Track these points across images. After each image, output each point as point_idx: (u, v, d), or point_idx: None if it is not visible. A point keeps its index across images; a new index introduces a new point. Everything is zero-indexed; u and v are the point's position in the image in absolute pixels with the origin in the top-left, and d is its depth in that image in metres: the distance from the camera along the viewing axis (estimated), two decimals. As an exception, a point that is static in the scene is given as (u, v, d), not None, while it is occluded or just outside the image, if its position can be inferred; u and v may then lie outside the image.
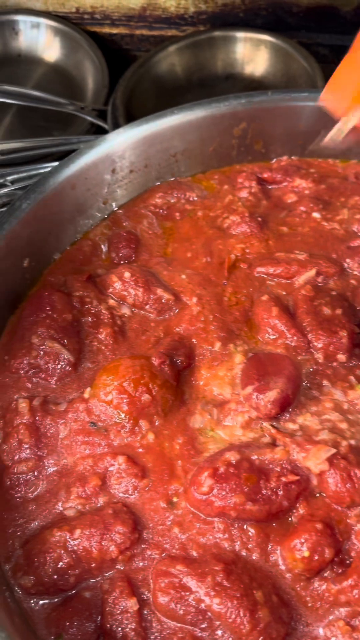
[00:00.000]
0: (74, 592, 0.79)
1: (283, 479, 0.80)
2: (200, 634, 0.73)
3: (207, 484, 0.80)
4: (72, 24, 1.78)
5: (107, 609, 0.76)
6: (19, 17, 1.80)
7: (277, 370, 0.92)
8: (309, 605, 0.76)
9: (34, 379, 0.97)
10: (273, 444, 0.86)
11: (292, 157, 1.33)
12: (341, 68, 0.67)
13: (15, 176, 1.38)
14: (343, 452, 0.81)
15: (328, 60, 1.72)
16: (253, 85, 1.70)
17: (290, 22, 1.68)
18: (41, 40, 1.81)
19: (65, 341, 0.99)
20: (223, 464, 0.81)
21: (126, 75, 1.62)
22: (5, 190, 1.34)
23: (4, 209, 1.31)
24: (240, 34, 1.68)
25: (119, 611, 0.75)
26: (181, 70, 1.71)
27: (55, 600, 0.78)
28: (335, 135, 0.69)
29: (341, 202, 1.23)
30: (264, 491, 0.80)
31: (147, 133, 1.21)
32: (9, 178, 1.37)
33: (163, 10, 1.74)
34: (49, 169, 1.15)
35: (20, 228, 1.06)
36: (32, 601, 0.78)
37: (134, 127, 1.19)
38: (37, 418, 0.91)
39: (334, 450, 0.81)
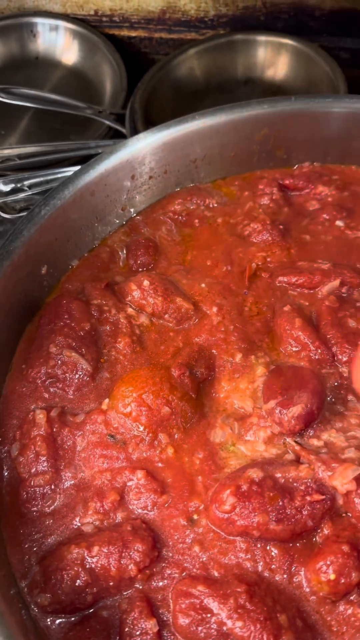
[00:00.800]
0: (91, 611, 0.77)
1: (308, 498, 0.78)
2: (221, 659, 0.71)
3: (229, 502, 0.78)
4: (90, 27, 1.77)
5: (126, 629, 0.74)
6: (37, 20, 1.79)
7: (300, 384, 0.89)
8: (335, 629, 0.74)
9: (52, 389, 0.95)
10: (297, 461, 0.83)
11: (315, 164, 1.31)
12: None
13: (32, 180, 1.37)
14: (370, 472, 0.79)
15: (350, 65, 1.69)
16: (273, 89, 1.68)
17: (312, 26, 1.66)
18: (59, 43, 1.80)
19: (84, 350, 0.97)
20: (246, 482, 0.79)
21: (145, 78, 1.60)
22: (23, 195, 1.32)
23: (22, 213, 1.30)
24: (261, 38, 1.66)
25: (138, 632, 0.73)
26: (200, 74, 1.69)
27: (73, 619, 0.77)
28: None
29: (365, 210, 1.20)
30: (288, 510, 0.77)
31: (167, 139, 1.19)
32: (27, 182, 1.36)
33: (183, 13, 1.72)
34: (67, 175, 1.13)
35: (39, 235, 1.04)
36: (48, 620, 0.77)
37: (154, 133, 1.17)
38: (54, 430, 0.89)
39: (361, 470, 0.78)
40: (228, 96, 1.67)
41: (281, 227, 1.16)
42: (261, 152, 1.29)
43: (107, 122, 1.57)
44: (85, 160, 1.16)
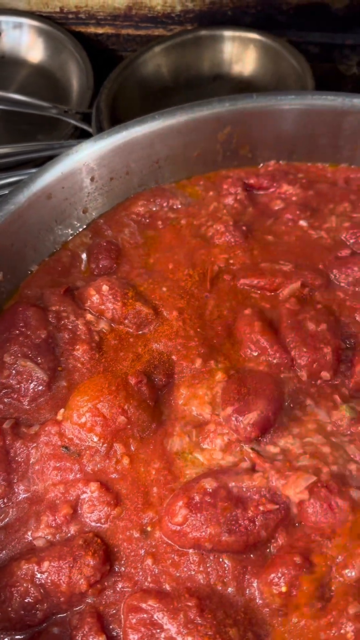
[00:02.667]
0: (42, 627, 0.75)
1: (261, 507, 0.77)
2: (172, 674, 0.70)
3: (181, 514, 0.76)
4: (56, 24, 1.74)
5: (76, 646, 0.73)
6: (1, 18, 1.75)
7: (258, 389, 0.88)
8: (288, 642, 0.72)
9: (6, 400, 0.93)
10: (252, 470, 0.82)
11: (280, 162, 1.29)
12: None
13: (-5, 183, 1.34)
14: (324, 480, 0.78)
15: (319, 59, 1.67)
16: (242, 85, 1.66)
17: (279, 20, 1.63)
18: (24, 41, 1.77)
19: (40, 359, 0.95)
20: (199, 493, 0.77)
21: (111, 77, 1.58)
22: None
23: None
24: (228, 33, 1.63)
25: (87, 649, 0.72)
26: (167, 72, 1.66)
27: (23, 636, 0.75)
28: None
29: (330, 209, 1.19)
30: (241, 521, 0.76)
31: (126, 139, 1.16)
32: (-11, 186, 1.33)
33: (149, 9, 1.69)
34: (24, 178, 1.11)
35: (-6, 241, 1.02)
36: (-2, 638, 0.75)
37: (112, 135, 1.15)
38: (7, 442, 0.87)
39: (314, 478, 0.77)
40: (197, 93, 1.64)
41: (244, 228, 1.15)
42: (225, 151, 1.27)
43: (73, 122, 1.55)
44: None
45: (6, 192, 1.33)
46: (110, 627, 0.74)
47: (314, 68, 1.55)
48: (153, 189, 1.25)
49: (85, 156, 1.12)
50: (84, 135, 1.56)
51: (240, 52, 1.64)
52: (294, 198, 1.21)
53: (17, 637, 0.75)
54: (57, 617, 0.76)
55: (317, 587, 0.73)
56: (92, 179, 1.17)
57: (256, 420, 0.84)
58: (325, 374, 0.91)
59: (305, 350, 0.92)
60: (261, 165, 1.29)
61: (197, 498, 0.77)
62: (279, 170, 1.26)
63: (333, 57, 1.67)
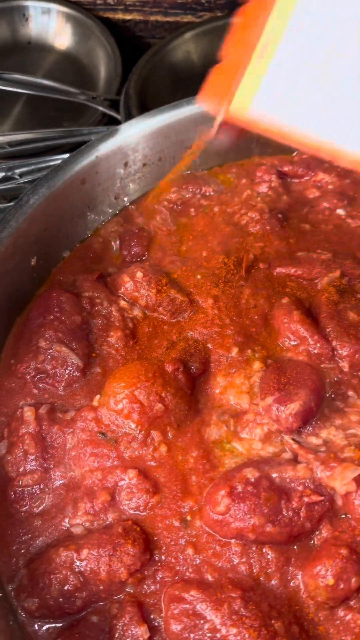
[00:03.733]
0: (80, 615, 0.74)
1: (305, 499, 0.75)
2: (215, 666, 0.68)
3: (223, 504, 0.75)
4: (84, 10, 1.72)
5: (116, 635, 0.71)
6: (29, 3, 1.73)
7: (299, 379, 0.86)
8: (333, 636, 0.71)
9: (41, 385, 0.92)
10: (295, 460, 0.80)
11: (315, 150, 1.26)
12: (212, 75, 0.77)
13: (24, 169, 1.33)
14: (371, 471, 0.75)
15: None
16: (272, 74, 1.63)
17: (312, 7, 1.60)
18: (52, 27, 1.74)
19: (74, 345, 0.94)
20: (241, 482, 0.76)
21: (139, 63, 1.55)
22: (13, 183, 1.28)
23: (11, 203, 1.26)
24: (259, 20, 1.60)
25: (128, 638, 0.71)
26: (197, 58, 1.64)
27: (61, 624, 0.74)
28: (209, 133, 0.76)
29: (367, 198, 1.16)
30: (285, 512, 0.74)
31: (162, 124, 1.15)
32: (17, 171, 1.31)
33: (179, -5, 1.67)
34: (58, 162, 1.09)
35: (28, 225, 1.00)
36: (36, 625, 0.74)
37: (147, 118, 1.13)
38: (43, 427, 0.86)
39: (361, 470, 0.75)
40: (226, 81, 1.62)
41: (280, 216, 1.13)
42: (259, 138, 1.24)
43: (101, 109, 1.53)
44: (78, 147, 1.11)
45: (34, 177, 1.32)
46: (151, 616, 0.73)
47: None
48: (185, 176, 1.23)
49: (121, 141, 1.11)
50: (111, 123, 1.54)
51: (272, 39, 1.61)
52: (330, 186, 1.19)
53: (56, 624, 0.74)
54: (96, 605, 0.74)
55: (364, 580, 0.71)
56: (125, 165, 1.15)
57: (298, 411, 0.82)
58: (367, 365, 0.89)
59: (346, 340, 0.90)
60: (295, 153, 1.27)
61: (239, 487, 0.75)
62: (313, 158, 1.24)
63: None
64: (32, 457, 0.84)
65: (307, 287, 1.02)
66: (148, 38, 1.77)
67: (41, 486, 0.83)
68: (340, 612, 0.71)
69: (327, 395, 0.87)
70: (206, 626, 0.69)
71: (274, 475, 0.77)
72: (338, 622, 0.71)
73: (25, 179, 1.30)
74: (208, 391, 0.91)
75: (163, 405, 0.85)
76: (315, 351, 0.91)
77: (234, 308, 0.99)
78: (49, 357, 0.92)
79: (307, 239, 1.10)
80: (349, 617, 0.71)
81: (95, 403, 0.87)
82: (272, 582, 0.73)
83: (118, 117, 1.50)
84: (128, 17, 1.74)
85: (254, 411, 0.86)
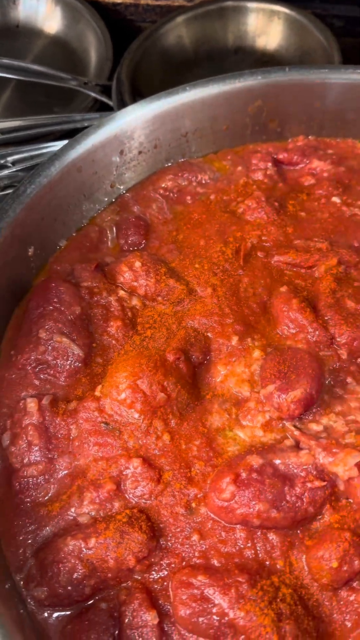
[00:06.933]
0: (89, 603, 0.75)
1: (308, 484, 0.76)
2: (223, 648, 0.70)
3: (228, 490, 0.76)
4: (73, -7, 1.69)
5: (126, 621, 0.72)
6: (18, -15, 1.70)
7: (299, 367, 0.87)
8: (336, 616, 0.73)
9: (42, 376, 0.92)
10: (297, 447, 0.81)
11: (309, 137, 1.26)
12: None
13: (16, 156, 1.31)
14: (372, 457, 0.77)
15: (344, 33, 1.63)
16: (265, 59, 1.62)
17: (304, -8, 1.59)
18: (41, 10, 1.71)
19: (75, 335, 0.94)
20: (245, 469, 0.77)
21: (131, 48, 1.54)
22: (6, 171, 1.27)
23: (5, 191, 1.25)
24: (252, 5, 1.59)
25: (138, 624, 0.72)
26: (189, 43, 1.62)
27: (70, 612, 0.75)
28: None
29: (362, 185, 1.17)
30: (288, 497, 0.76)
31: (157, 111, 1.14)
32: (10, 159, 1.30)
33: (170, -23, 1.64)
34: (53, 150, 1.08)
35: (25, 214, 0.99)
36: (45, 613, 0.75)
37: (144, 105, 1.12)
38: (46, 418, 0.86)
39: (363, 455, 0.76)
40: (218, 66, 1.61)
41: (276, 204, 1.13)
42: (254, 125, 1.24)
43: (93, 94, 1.51)
44: (70, 134, 1.10)
45: (26, 165, 1.31)
46: (160, 602, 0.74)
47: (339, 42, 1.52)
48: (181, 163, 1.22)
49: (117, 128, 1.10)
50: (102, 108, 1.53)
51: (264, 25, 1.60)
52: (325, 174, 1.19)
53: (65, 612, 0.75)
54: (104, 592, 0.75)
55: (367, 562, 0.73)
56: (121, 153, 1.14)
57: (299, 398, 0.83)
58: (366, 352, 0.91)
59: (345, 328, 0.91)
60: (289, 140, 1.27)
61: (243, 474, 0.76)
62: (308, 145, 1.24)
63: (357, 31, 1.63)
64: (36, 448, 0.84)
65: (305, 276, 1.03)
66: (139, 22, 1.75)
67: (46, 476, 0.83)
68: (344, 593, 0.73)
69: (327, 382, 0.88)
70: (214, 610, 0.70)
71: (277, 462, 0.78)
72: (342, 602, 0.73)
73: (18, 167, 1.29)
74: (209, 380, 0.92)
75: (165, 394, 0.85)
76: (314, 339, 0.92)
77: (233, 297, 1.00)
78: (49, 348, 0.92)
79: (303, 227, 1.10)
80: (352, 597, 0.73)
81: (97, 393, 0.87)
82: (277, 565, 0.75)
83: (110, 102, 1.49)
84: (118, 0, 1.71)
85: (255, 399, 0.87)
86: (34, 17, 1.72)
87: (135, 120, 1.12)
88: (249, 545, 0.76)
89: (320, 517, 0.77)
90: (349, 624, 0.72)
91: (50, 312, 0.95)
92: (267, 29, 1.61)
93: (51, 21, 1.72)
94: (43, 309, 0.96)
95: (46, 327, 0.93)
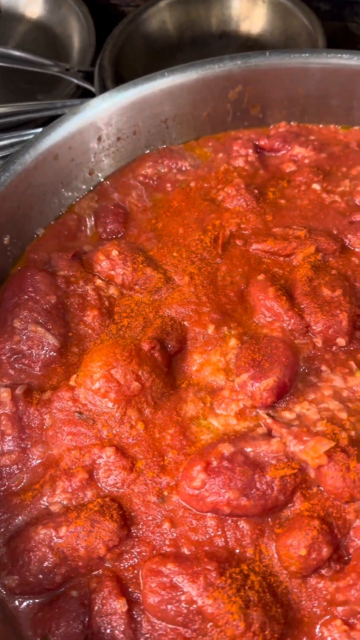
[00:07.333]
0: (60, 591, 0.76)
1: (279, 472, 0.76)
2: (191, 635, 0.70)
3: (199, 479, 0.76)
4: (55, -24, 1.66)
5: (96, 608, 0.73)
6: (-2, -31, 1.67)
7: (273, 355, 0.87)
8: (304, 602, 0.73)
9: (17, 366, 0.92)
10: (269, 435, 0.81)
11: (291, 123, 1.25)
12: None
13: (-4, 144, 1.30)
14: (342, 445, 0.77)
15: (330, 17, 1.60)
16: (249, 44, 1.60)
17: (289, -26, 1.56)
18: (22, -5, 1.69)
19: (50, 325, 0.93)
20: (216, 458, 0.77)
21: (114, 33, 1.51)
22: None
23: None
24: (236, -12, 1.56)
25: (107, 612, 0.72)
26: (173, 28, 1.60)
27: (41, 600, 0.75)
28: None
29: (342, 172, 1.16)
30: (258, 485, 0.76)
31: (135, 98, 1.12)
32: (-10, 146, 1.29)
33: None
34: (30, 138, 1.07)
35: (0, 203, 0.98)
36: (16, 601, 0.75)
37: (120, 92, 1.11)
38: (19, 408, 0.86)
39: (332, 444, 0.76)
40: (202, 51, 1.59)
41: (256, 191, 1.12)
42: (235, 111, 1.23)
43: (75, 81, 1.49)
44: (52, 121, 1.09)
45: (7, 153, 1.29)
46: (130, 590, 0.74)
47: (325, 26, 1.50)
48: (160, 150, 1.21)
49: (93, 115, 1.08)
50: (85, 95, 1.51)
51: (249, 9, 1.58)
52: (306, 161, 1.18)
53: (36, 600, 0.75)
54: (75, 580, 0.76)
55: (335, 549, 0.73)
56: (99, 139, 1.13)
57: (272, 386, 0.83)
58: (341, 340, 0.90)
59: (320, 316, 0.91)
60: (271, 126, 1.25)
61: (214, 463, 0.76)
62: (290, 131, 1.23)
63: (344, 15, 1.61)
64: (9, 438, 0.84)
65: (283, 264, 1.02)
66: (122, 6, 1.72)
67: (19, 465, 0.83)
68: (313, 580, 0.73)
69: (301, 370, 0.88)
70: (183, 597, 0.71)
71: (248, 450, 0.78)
72: (310, 589, 0.73)
73: (-2, 155, 1.28)
74: (185, 369, 0.91)
75: (140, 383, 0.85)
76: (290, 327, 0.92)
77: (210, 285, 0.99)
78: (24, 337, 0.92)
79: (283, 215, 1.09)
80: (320, 584, 0.73)
81: (72, 383, 0.87)
82: (247, 553, 0.75)
83: (92, 89, 1.47)
84: (101, -17, 1.68)
85: (229, 388, 0.87)
86: (16, 1, 1.70)
87: (112, 106, 1.11)
88: (219, 533, 0.76)
89: (291, 505, 0.77)
90: (317, 611, 0.72)
91: (25, 301, 0.95)
92: (251, 13, 1.58)
93: (33, 6, 1.69)
94: (18, 298, 0.95)
95: (21, 316, 0.93)
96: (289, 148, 1.20)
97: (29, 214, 1.06)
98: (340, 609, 0.72)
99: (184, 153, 1.21)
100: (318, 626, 0.72)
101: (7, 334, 0.92)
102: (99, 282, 1.01)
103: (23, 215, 1.05)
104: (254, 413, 0.85)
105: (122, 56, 1.50)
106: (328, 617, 0.72)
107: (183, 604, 0.71)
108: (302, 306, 0.93)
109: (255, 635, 0.69)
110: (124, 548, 0.76)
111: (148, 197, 1.15)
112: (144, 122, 1.17)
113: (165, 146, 1.22)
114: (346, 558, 0.74)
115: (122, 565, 0.76)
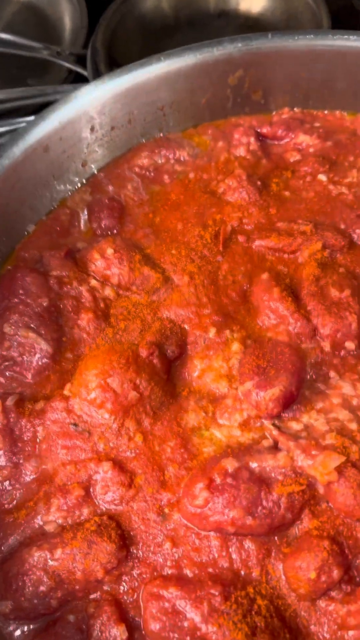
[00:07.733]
0: (57, 615, 0.72)
1: (286, 488, 0.72)
2: (195, 663, 0.67)
3: (202, 497, 0.72)
4: None
5: (94, 635, 0.69)
6: None
7: (279, 362, 0.82)
8: (314, 628, 0.69)
9: (8, 373, 0.87)
10: (275, 448, 0.77)
11: (295, 109, 1.19)
12: None
13: (-16, 134, 1.23)
14: (353, 459, 0.73)
15: (334, -6, 1.52)
16: (249, 23, 1.52)
17: None
18: (10, -27, 1.60)
19: (42, 330, 0.88)
20: (219, 474, 0.72)
21: (107, 13, 1.44)
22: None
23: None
24: None
25: (107, 639, 0.68)
26: (168, 7, 1.52)
27: (37, 625, 0.71)
28: None
29: (350, 161, 1.10)
30: (264, 503, 0.71)
31: (129, 84, 1.06)
32: (-23, 136, 1.22)
33: None
34: (18, 129, 1.01)
35: (-13, 200, 0.93)
36: (11, 627, 0.71)
37: (114, 78, 1.04)
38: (11, 419, 0.81)
39: (343, 459, 0.72)
40: (200, 32, 1.51)
41: (259, 183, 1.06)
42: (236, 97, 1.16)
43: (67, 65, 1.42)
44: (43, 108, 1.02)
45: (-4, 143, 1.23)
46: (130, 614, 0.70)
47: (328, 5, 1.42)
48: (157, 139, 1.15)
49: (85, 103, 1.02)
50: (78, 79, 1.44)
51: (249, -15, 1.50)
52: (311, 149, 1.12)
53: (31, 626, 0.71)
54: (72, 604, 0.72)
55: (347, 570, 0.70)
56: (91, 129, 1.06)
57: (278, 396, 0.78)
58: (350, 344, 0.86)
59: (328, 318, 0.86)
60: (274, 112, 1.19)
61: (218, 480, 0.72)
62: (293, 118, 1.16)
63: (349, -9, 1.53)
64: (1, 452, 0.80)
65: (288, 261, 0.97)
66: (115, -16, 1.63)
67: (11, 481, 0.79)
68: (322, 603, 0.70)
69: (308, 377, 0.83)
70: (186, 624, 0.67)
71: (254, 465, 0.74)
72: (320, 613, 0.70)
73: (-15, 146, 1.21)
74: (185, 375, 0.87)
75: (138, 392, 0.81)
76: (296, 330, 0.87)
77: (211, 285, 0.94)
78: (14, 343, 0.87)
79: (287, 208, 1.04)
80: (330, 607, 0.69)
81: (66, 392, 0.82)
82: (253, 574, 0.71)
83: (85, 73, 1.40)
84: None
85: (233, 396, 0.82)
86: (3, -20, 1.62)
87: (105, 94, 1.04)
88: (224, 554, 0.72)
89: (299, 522, 0.73)
90: (327, 636, 0.69)
91: (15, 304, 0.90)
92: (251, -9, 1.50)
93: (21, -15, 1.61)
94: (8, 301, 0.90)
95: (11, 321, 0.88)
96: (293, 136, 1.14)
97: (19, 210, 1.00)
98: (351, 632, 0.68)
99: (182, 142, 1.15)
100: (328, 650, 0.69)
101: (-4, 340, 0.87)
102: (93, 282, 0.95)
103: (12, 212, 0.99)
104: (259, 423, 0.80)
105: (116, 38, 1.42)
106: (339, 642, 0.68)
107: (186, 631, 0.67)
108: (309, 308, 0.88)
109: (263, 663, 0.65)
110: (123, 570, 0.72)
111: (144, 189, 1.09)
112: (140, 109, 1.10)
113: (162, 135, 1.15)
114: (357, 579, 0.70)
115: (121, 588, 0.72)
